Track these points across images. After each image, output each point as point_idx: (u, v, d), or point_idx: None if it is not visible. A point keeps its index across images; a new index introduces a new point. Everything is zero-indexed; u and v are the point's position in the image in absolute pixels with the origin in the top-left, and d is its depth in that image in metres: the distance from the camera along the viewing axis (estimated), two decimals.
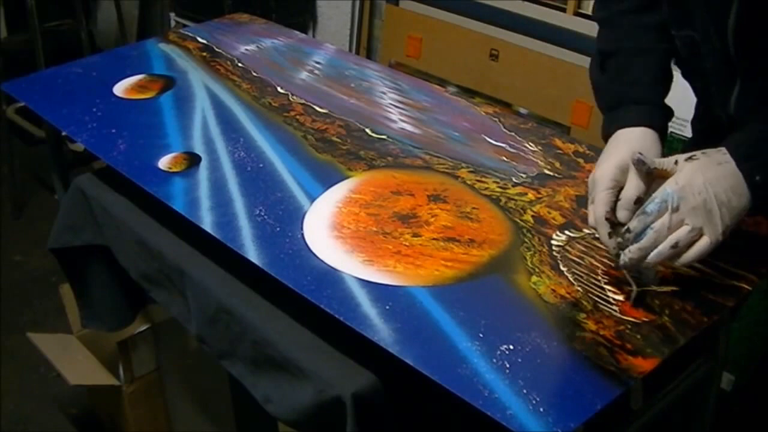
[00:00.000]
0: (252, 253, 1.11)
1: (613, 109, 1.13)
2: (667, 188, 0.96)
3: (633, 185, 1.01)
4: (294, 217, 1.18)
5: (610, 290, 1.02)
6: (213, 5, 2.83)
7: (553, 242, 1.12)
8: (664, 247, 0.95)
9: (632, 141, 1.07)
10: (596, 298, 1.00)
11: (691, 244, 0.95)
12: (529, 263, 1.07)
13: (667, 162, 0.99)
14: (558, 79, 2.38)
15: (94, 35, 3.58)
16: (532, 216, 1.17)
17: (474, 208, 1.19)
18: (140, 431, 1.77)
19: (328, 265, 1.08)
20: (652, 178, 1.00)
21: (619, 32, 1.19)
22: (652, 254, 0.96)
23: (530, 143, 1.36)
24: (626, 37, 1.17)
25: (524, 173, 1.28)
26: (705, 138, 1.19)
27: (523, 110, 2.50)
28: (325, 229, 1.15)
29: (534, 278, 1.04)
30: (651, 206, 0.96)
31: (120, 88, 1.57)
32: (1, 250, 2.63)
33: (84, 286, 1.51)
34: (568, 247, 1.10)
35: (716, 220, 0.94)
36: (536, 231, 1.14)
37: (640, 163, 1.00)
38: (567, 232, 1.14)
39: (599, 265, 1.07)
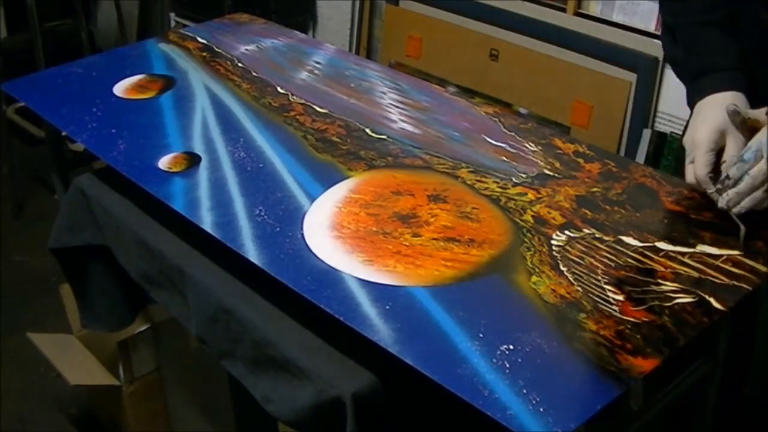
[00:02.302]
0: (252, 253, 1.11)
1: (698, 78, 1.20)
2: (762, 137, 1.05)
3: (735, 144, 1.11)
4: (294, 217, 1.18)
5: (610, 290, 1.02)
6: (213, 5, 2.83)
7: (553, 242, 1.12)
8: (758, 192, 1.05)
9: (724, 103, 1.13)
10: (596, 298, 1.00)
11: None
12: (529, 263, 1.07)
13: (759, 112, 1.08)
14: (558, 79, 2.38)
15: (94, 35, 3.58)
16: (532, 216, 1.17)
17: (474, 208, 1.19)
18: (140, 431, 1.77)
19: (328, 265, 1.08)
20: (747, 129, 1.10)
21: (679, 4, 1.26)
22: (747, 199, 1.06)
23: (530, 143, 1.36)
24: (688, 8, 1.24)
25: (524, 173, 1.27)
26: None
27: (523, 110, 2.50)
28: (325, 229, 1.15)
29: (534, 278, 1.04)
30: (747, 154, 1.06)
31: (120, 88, 1.57)
32: (1, 250, 2.63)
33: (84, 286, 1.51)
34: (568, 247, 1.10)
35: None
36: (536, 231, 1.14)
37: (735, 114, 1.09)
38: (567, 232, 1.14)
39: (599, 265, 1.07)
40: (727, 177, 1.08)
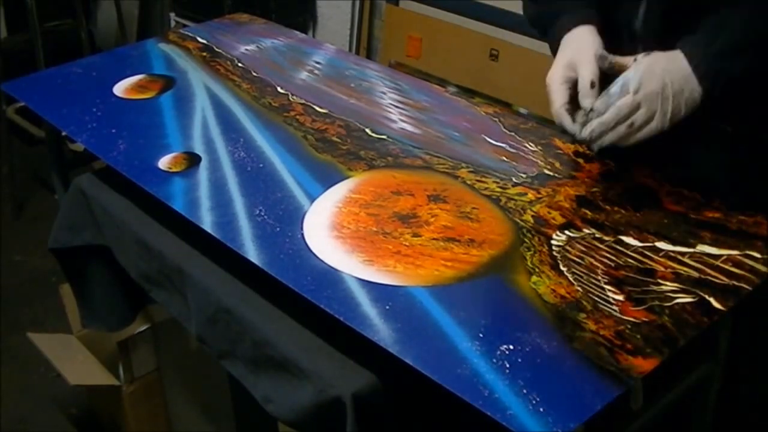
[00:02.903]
0: (252, 253, 1.11)
1: (548, 27, 1.25)
2: (629, 74, 1.08)
3: (587, 72, 1.13)
4: (294, 217, 1.18)
5: (610, 290, 1.02)
6: (213, 5, 2.83)
7: (553, 242, 1.12)
8: (621, 125, 1.07)
9: (573, 41, 1.19)
10: (596, 298, 1.00)
11: (644, 125, 1.07)
12: (529, 263, 1.07)
13: (626, 59, 1.12)
14: None
15: (94, 35, 3.58)
16: (532, 216, 1.17)
17: (474, 208, 1.19)
18: (140, 431, 1.77)
19: (328, 265, 1.08)
20: (616, 70, 1.12)
21: None
22: (610, 132, 1.08)
23: (530, 143, 1.36)
24: None
25: (524, 173, 1.27)
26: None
27: (523, 110, 2.50)
28: (325, 229, 1.15)
29: (534, 278, 1.04)
30: (614, 88, 1.09)
31: (120, 88, 1.57)
32: (1, 250, 2.63)
33: (84, 286, 1.51)
34: (568, 247, 1.10)
35: (667, 107, 1.06)
36: (536, 231, 1.14)
37: (602, 59, 1.13)
38: (567, 232, 1.14)
39: (599, 265, 1.07)
40: (592, 110, 1.10)
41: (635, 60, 1.10)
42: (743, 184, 1.18)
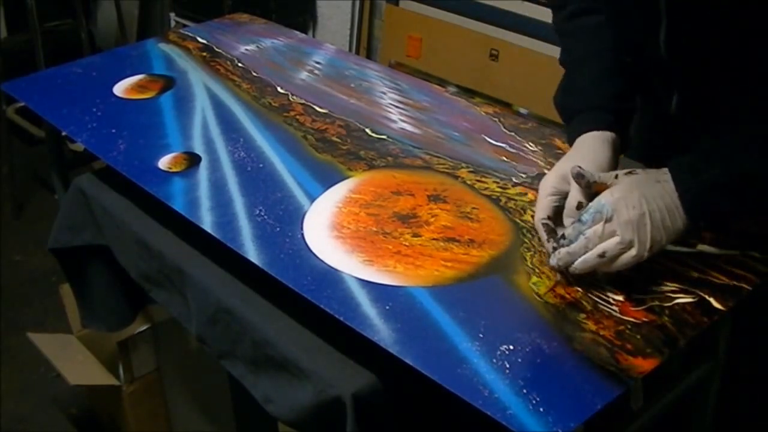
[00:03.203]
0: (252, 253, 1.11)
1: (567, 123, 1.15)
2: (602, 199, 0.97)
3: (574, 194, 1.04)
4: (294, 217, 1.18)
5: (610, 290, 1.02)
6: (213, 5, 2.84)
7: None
8: (591, 255, 0.97)
9: (580, 148, 1.10)
10: (596, 298, 1.00)
11: (618, 255, 0.96)
12: (529, 263, 1.07)
13: (606, 176, 1.02)
14: (558, 79, 2.37)
15: (94, 35, 3.58)
16: (532, 216, 1.17)
17: (474, 208, 1.19)
18: (140, 431, 1.77)
19: (328, 265, 1.08)
20: (595, 189, 1.02)
21: (569, 40, 1.22)
22: (578, 260, 0.98)
23: (530, 143, 1.36)
24: (574, 44, 1.20)
25: (524, 173, 1.27)
26: (649, 143, 1.22)
27: (523, 110, 2.50)
28: (325, 229, 1.15)
29: (534, 278, 1.04)
30: (586, 216, 0.98)
31: (120, 88, 1.57)
32: (1, 250, 2.63)
33: (84, 286, 1.51)
34: None
35: (646, 237, 0.96)
36: (536, 231, 1.14)
37: (579, 177, 1.02)
38: None
39: None
40: (563, 236, 1.00)
41: (616, 177, 1.01)
42: None
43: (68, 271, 1.51)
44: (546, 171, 1.27)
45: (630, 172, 1.01)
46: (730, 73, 1.04)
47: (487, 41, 2.56)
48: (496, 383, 0.88)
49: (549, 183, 1.07)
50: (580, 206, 1.02)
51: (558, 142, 1.36)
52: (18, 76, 1.63)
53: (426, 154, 1.33)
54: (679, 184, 0.97)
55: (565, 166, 1.06)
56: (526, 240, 1.12)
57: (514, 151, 1.34)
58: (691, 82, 1.09)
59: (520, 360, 0.91)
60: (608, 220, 0.96)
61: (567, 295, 1.01)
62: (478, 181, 1.26)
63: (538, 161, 1.31)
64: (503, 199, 1.21)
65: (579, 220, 0.99)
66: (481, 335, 0.95)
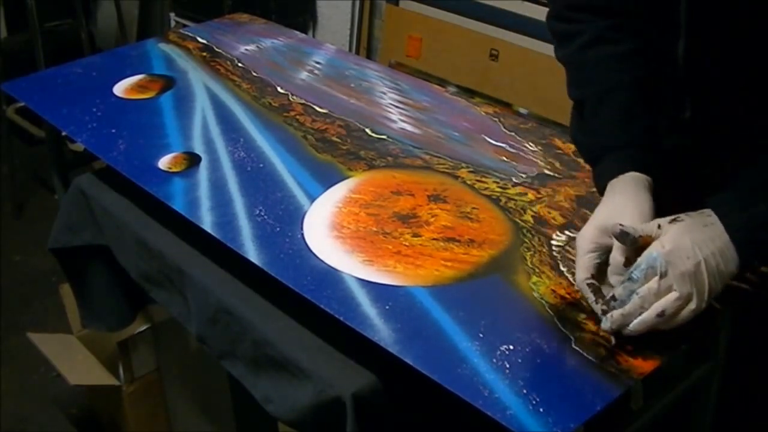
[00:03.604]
0: (252, 253, 1.11)
1: (595, 163, 1.06)
2: (654, 252, 0.90)
3: (619, 249, 0.94)
4: (294, 217, 1.18)
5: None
6: (213, 5, 2.83)
7: (553, 242, 1.12)
8: (649, 315, 0.89)
9: (617, 194, 0.99)
10: None
11: (678, 312, 0.89)
12: (529, 263, 1.07)
13: (649, 227, 0.93)
14: (558, 79, 2.37)
15: (94, 35, 3.58)
16: (532, 216, 1.17)
17: (474, 208, 1.19)
18: (140, 431, 1.77)
19: (328, 265, 1.08)
20: (640, 247, 0.93)
21: (583, 73, 1.10)
22: (635, 321, 0.90)
23: (530, 143, 1.36)
24: (591, 77, 1.08)
25: (524, 173, 1.27)
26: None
27: (523, 110, 2.50)
28: (325, 229, 1.15)
29: (534, 278, 1.04)
30: (636, 272, 0.91)
31: (120, 88, 1.57)
32: (1, 250, 2.63)
33: (84, 286, 1.51)
34: (568, 248, 1.10)
35: (704, 287, 0.89)
36: (536, 231, 1.14)
37: (623, 236, 0.92)
38: (567, 232, 1.14)
39: None
40: (613, 297, 0.92)
41: (659, 227, 0.92)
42: None
43: (68, 271, 1.51)
44: (546, 171, 1.27)
45: (674, 220, 0.92)
46: (748, 88, 1.01)
47: (487, 41, 2.56)
48: (496, 383, 0.88)
49: (588, 238, 0.96)
50: (627, 262, 0.93)
51: (558, 142, 1.36)
52: (18, 76, 1.63)
53: (426, 154, 1.33)
54: (729, 224, 0.91)
55: (602, 217, 0.97)
56: (526, 240, 1.12)
57: (514, 151, 1.34)
58: (707, 92, 1.04)
59: (520, 360, 0.91)
60: (663, 275, 0.89)
61: (567, 295, 1.01)
62: (478, 181, 1.26)
63: (538, 161, 1.31)
64: (503, 199, 1.21)
65: (630, 279, 0.91)
66: (481, 335, 0.95)
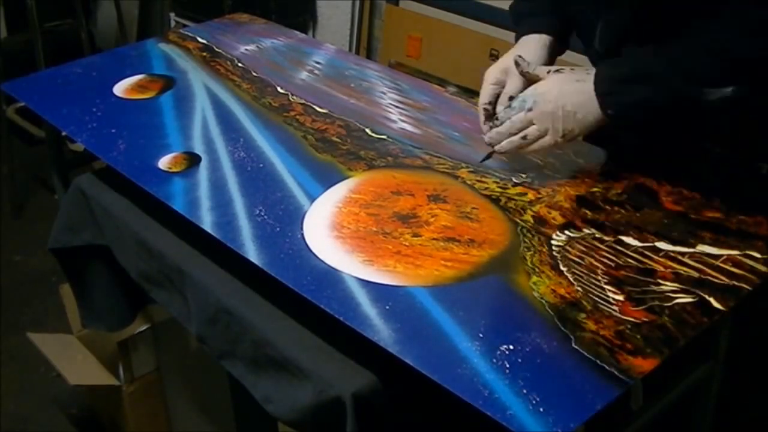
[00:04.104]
0: (252, 253, 1.11)
1: (516, 26, 1.34)
2: (528, 91, 1.18)
3: (511, 86, 1.25)
4: (294, 217, 1.18)
5: (610, 290, 1.02)
6: (213, 5, 2.83)
7: (553, 242, 1.12)
8: (516, 136, 1.19)
9: (522, 47, 1.29)
10: (596, 298, 1.00)
11: (536, 140, 1.17)
12: (529, 263, 1.07)
13: (541, 70, 1.21)
14: None
15: (94, 35, 3.58)
16: (532, 216, 1.17)
17: (474, 208, 1.19)
18: (140, 431, 1.77)
19: (328, 265, 1.08)
20: (529, 80, 1.22)
21: None
22: (505, 141, 1.20)
23: None
24: None
25: (524, 173, 1.27)
26: None
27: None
28: (325, 229, 1.15)
29: (534, 278, 1.04)
30: (515, 102, 1.19)
31: (120, 88, 1.57)
32: (1, 250, 2.63)
33: (84, 286, 1.51)
34: (568, 247, 1.10)
35: (558, 126, 1.15)
36: (536, 231, 1.14)
37: (517, 64, 1.23)
38: (567, 232, 1.14)
39: (599, 265, 1.07)
40: (496, 118, 1.22)
41: (548, 73, 1.19)
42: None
43: (68, 271, 1.51)
44: (546, 171, 1.28)
45: (558, 70, 1.18)
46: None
47: (487, 41, 2.56)
48: (496, 383, 0.88)
49: (492, 74, 1.27)
50: (510, 98, 1.23)
51: None
52: (18, 76, 1.63)
53: (426, 154, 1.33)
54: (596, 79, 1.12)
55: (506, 60, 1.26)
56: (526, 240, 1.12)
57: None
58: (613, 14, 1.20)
59: (520, 360, 0.91)
60: (529, 110, 1.17)
61: (567, 295, 1.01)
62: (478, 181, 1.26)
63: (538, 161, 1.31)
64: (503, 199, 1.21)
65: (509, 106, 1.20)
66: (481, 335, 0.95)
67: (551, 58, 1.29)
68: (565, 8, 1.29)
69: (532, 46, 1.28)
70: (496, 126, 1.21)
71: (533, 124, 1.17)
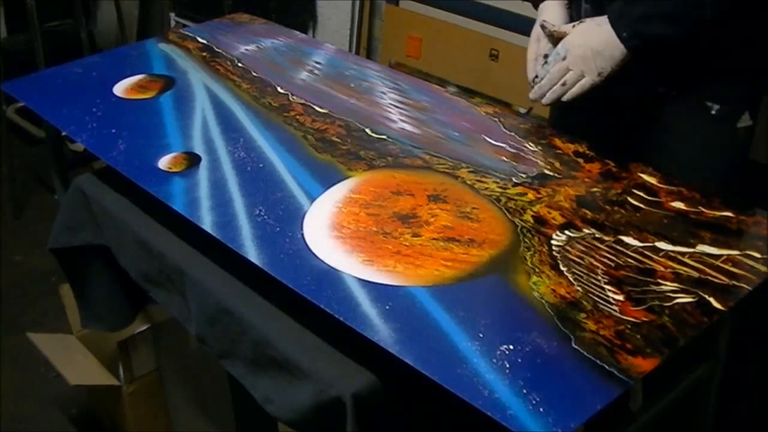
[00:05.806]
0: (252, 253, 1.11)
1: None
2: (559, 45, 1.31)
3: (543, 48, 1.37)
4: (294, 217, 1.18)
5: (610, 290, 1.02)
6: (213, 5, 2.83)
7: (553, 242, 1.12)
8: (557, 86, 1.30)
9: (543, 13, 1.41)
10: (596, 298, 1.00)
11: (576, 83, 1.28)
12: (529, 263, 1.07)
13: (566, 27, 1.32)
14: None
15: (94, 35, 3.58)
16: (532, 216, 1.17)
17: (474, 208, 1.19)
18: (140, 431, 1.77)
19: (328, 265, 1.08)
20: (555, 40, 1.33)
21: None
22: (549, 92, 1.32)
23: (530, 143, 1.36)
24: None
25: (524, 173, 1.28)
26: None
27: (523, 110, 2.50)
28: (325, 229, 1.15)
29: (534, 278, 1.04)
30: (550, 58, 1.33)
31: (120, 88, 1.57)
32: (1, 250, 2.63)
33: (84, 286, 1.51)
34: (568, 247, 1.10)
35: (591, 65, 1.26)
36: (536, 231, 1.14)
37: (544, 28, 1.36)
38: (567, 232, 1.14)
39: (599, 265, 1.07)
40: (536, 76, 1.35)
41: (573, 27, 1.30)
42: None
43: (68, 271, 1.51)
44: (546, 171, 1.28)
45: (581, 22, 1.30)
46: None
47: (487, 41, 2.56)
48: (496, 383, 0.88)
49: (532, 49, 1.40)
50: (545, 57, 1.35)
51: (558, 142, 1.36)
52: (18, 76, 1.63)
53: (426, 154, 1.33)
54: (613, 20, 1.24)
55: (536, 31, 1.39)
56: (526, 240, 1.12)
57: (514, 151, 1.34)
58: None
59: (520, 360, 0.91)
60: (563, 59, 1.29)
61: (567, 295, 1.01)
62: (478, 181, 1.26)
63: (538, 161, 1.31)
64: (503, 199, 1.21)
65: (546, 63, 1.33)
66: (481, 335, 0.95)
67: (571, 19, 1.39)
68: None
69: (553, 9, 1.39)
70: (538, 82, 1.33)
71: (570, 70, 1.28)
